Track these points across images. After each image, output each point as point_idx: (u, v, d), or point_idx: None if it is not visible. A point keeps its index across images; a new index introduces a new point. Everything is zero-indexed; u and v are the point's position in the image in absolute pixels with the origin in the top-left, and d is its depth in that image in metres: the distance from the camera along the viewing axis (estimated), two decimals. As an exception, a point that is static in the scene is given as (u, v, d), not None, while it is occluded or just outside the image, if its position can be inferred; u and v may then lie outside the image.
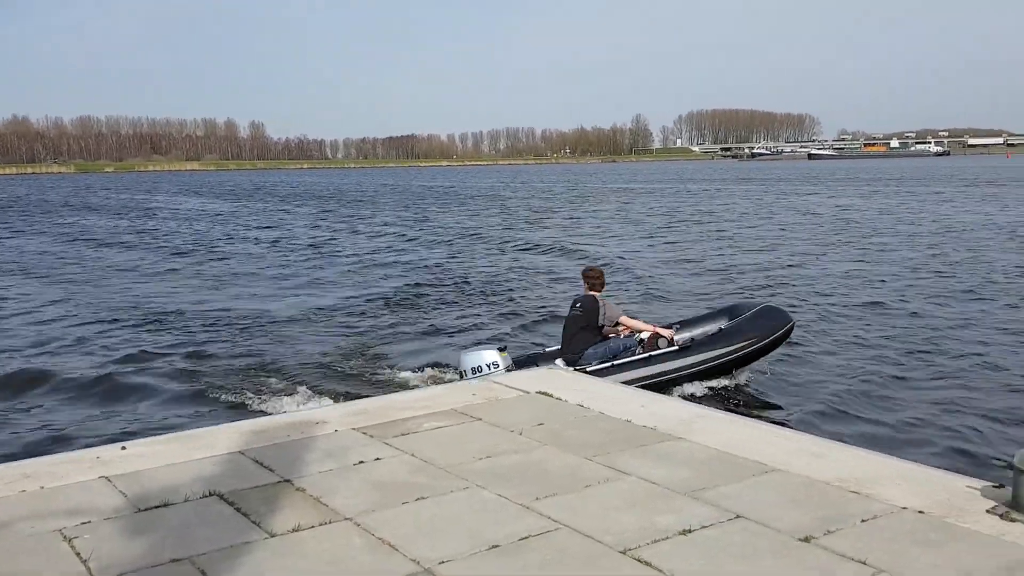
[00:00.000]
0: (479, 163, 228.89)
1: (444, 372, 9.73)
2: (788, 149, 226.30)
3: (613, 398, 6.23)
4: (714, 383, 8.96)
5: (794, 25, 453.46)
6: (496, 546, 3.74)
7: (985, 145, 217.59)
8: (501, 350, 8.83)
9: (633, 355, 8.83)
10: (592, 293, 9.04)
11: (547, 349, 9.56)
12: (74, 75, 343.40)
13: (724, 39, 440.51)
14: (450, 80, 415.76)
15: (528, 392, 6.39)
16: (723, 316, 9.80)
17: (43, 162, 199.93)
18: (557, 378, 6.87)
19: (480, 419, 5.71)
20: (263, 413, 8.01)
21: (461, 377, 8.57)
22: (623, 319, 9.12)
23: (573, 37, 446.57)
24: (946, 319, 12.80)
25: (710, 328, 9.54)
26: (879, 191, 53.23)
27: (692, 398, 8.58)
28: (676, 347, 8.88)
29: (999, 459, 6.58)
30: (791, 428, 6.62)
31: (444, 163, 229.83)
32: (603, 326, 8.94)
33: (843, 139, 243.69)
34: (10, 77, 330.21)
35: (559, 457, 4.93)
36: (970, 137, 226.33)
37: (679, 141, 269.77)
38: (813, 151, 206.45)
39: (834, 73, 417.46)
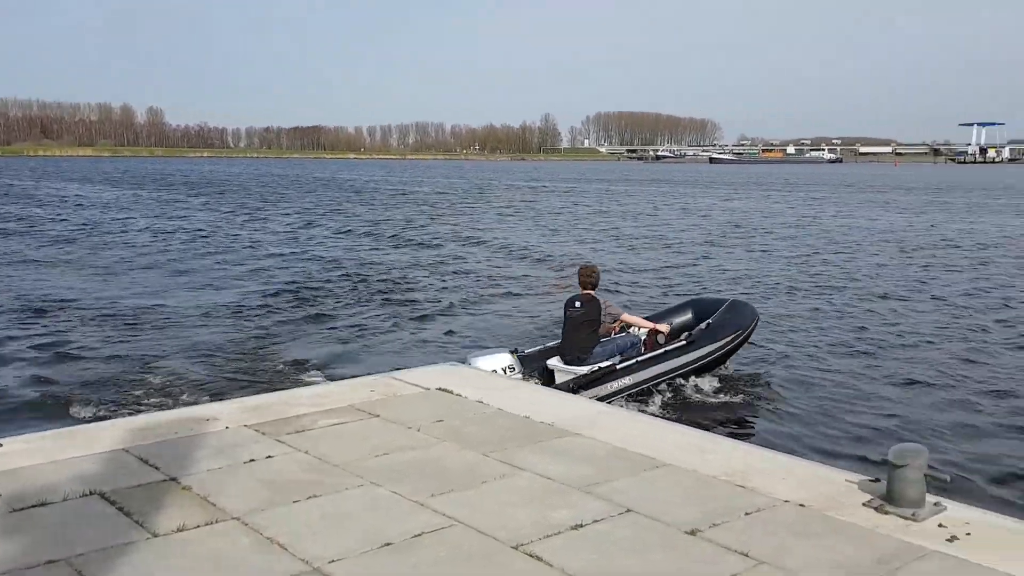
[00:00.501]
0: (387, 157, 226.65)
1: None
2: (691, 153, 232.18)
3: (513, 395, 6.26)
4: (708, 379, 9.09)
5: (697, 33, 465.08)
6: (389, 544, 3.71)
7: (875, 153, 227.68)
8: (513, 352, 8.50)
9: (640, 352, 8.81)
10: (589, 292, 8.88)
11: (527, 351, 8.98)
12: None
13: (630, 44, 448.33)
14: (358, 72, 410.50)
15: (428, 389, 6.36)
16: (688, 310, 10.02)
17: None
18: (458, 374, 6.86)
19: (378, 416, 5.66)
20: (151, 409, 7.74)
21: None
22: (625, 316, 9.10)
23: (482, 36, 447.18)
24: (830, 317, 13.34)
25: (681, 322, 9.71)
26: (771, 195, 55.10)
27: (701, 391, 8.90)
28: (684, 342, 8.96)
29: (877, 455, 6.89)
30: (684, 424, 6.77)
31: (351, 156, 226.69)
32: (603, 323, 8.88)
33: (743, 144, 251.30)
34: None
35: (457, 453, 4.93)
36: (861, 145, 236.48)
37: (587, 141, 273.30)
38: (714, 155, 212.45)
39: (735, 81, 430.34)
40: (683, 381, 8.94)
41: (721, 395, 8.90)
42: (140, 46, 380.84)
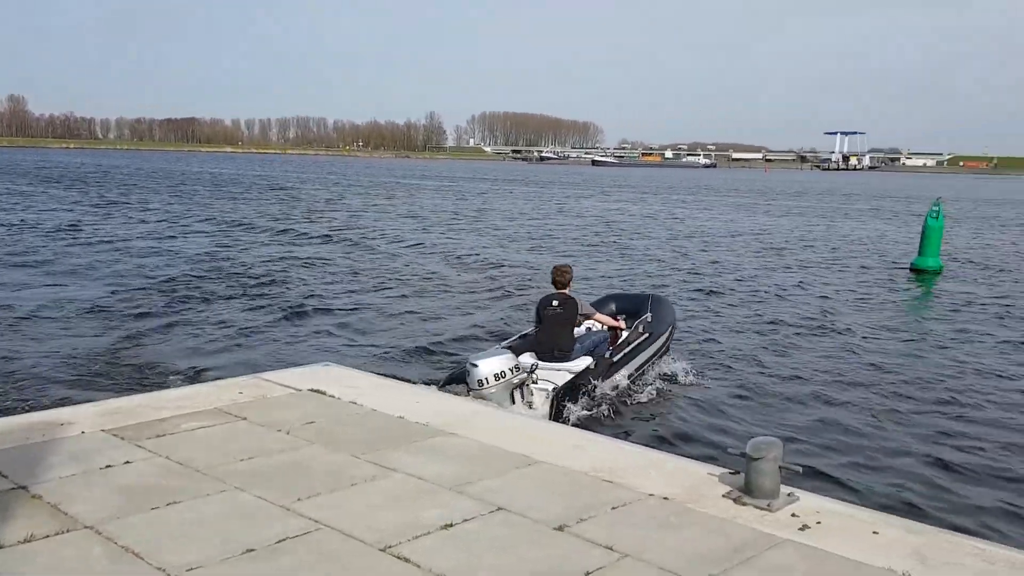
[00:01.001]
0: (266, 151, 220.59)
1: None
2: (574, 155, 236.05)
3: (387, 394, 6.20)
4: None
5: (581, 39, 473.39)
6: (251, 550, 3.61)
7: (747, 159, 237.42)
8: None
9: (607, 347, 8.96)
10: (565, 291, 8.86)
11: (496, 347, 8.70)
12: None
13: (517, 47, 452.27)
14: (236, 63, 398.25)
15: (300, 390, 6.23)
16: (612, 303, 10.39)
17: None
18: (331, 375, 6.75)
19: (245, 418, 5.50)
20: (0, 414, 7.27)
21: (477, 387, 7.42)
22: (598, 315, 9.19)
23: (365, 31, 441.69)
24: (701, 316, 13.81)
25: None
26: (646, 197, 56.65)
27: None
28: (645, 335, 9.34)
29: (737, 448, 7.16)
30: (558, 423, 6.88)
31: (228, 149, 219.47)
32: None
33: (623, 148, 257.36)
34: None
35: (326, 456, 4.84)
36: (734, 152, 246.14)
37: (472, 141, 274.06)
38: (596, 157, 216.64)
39: (617, 86, 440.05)
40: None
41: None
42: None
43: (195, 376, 8.97)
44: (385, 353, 10.71)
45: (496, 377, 7.45)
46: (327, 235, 25.34)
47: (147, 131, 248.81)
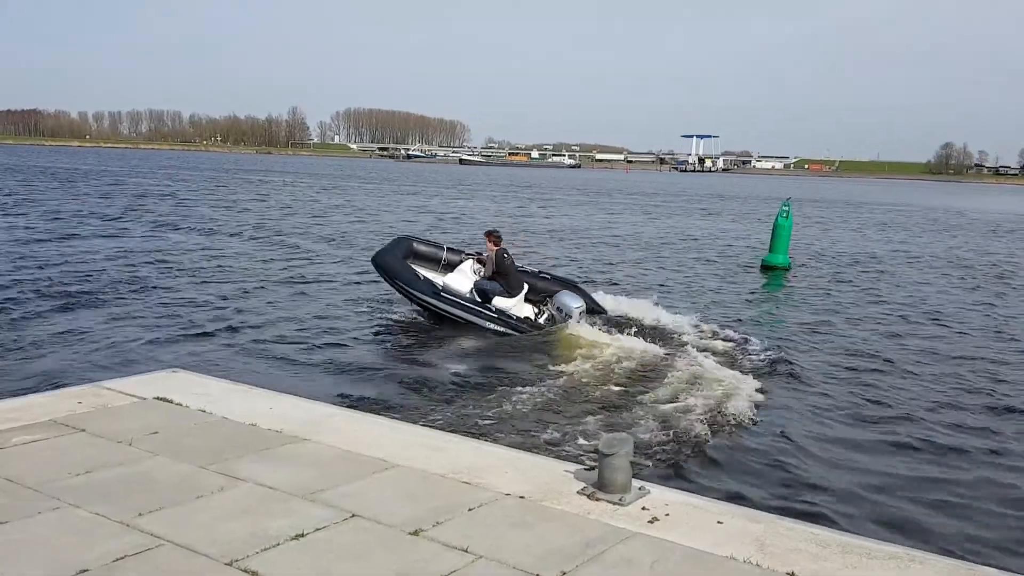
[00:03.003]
0: (117, 146, 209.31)
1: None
2: (441, 153, 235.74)
3: (239, 400, 5.99)
4: None
5: (447, 34, 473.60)
6: (85, 571, 3.40)
7: (609, 160, 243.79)
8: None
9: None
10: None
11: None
12: None
13: (379, 42, 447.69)
14: (82, 52, 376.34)
15: (144, 398, 5.93)
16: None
17: None
18: (179, 382, 6.46)
19: (83, 430, 5.19)
20: None
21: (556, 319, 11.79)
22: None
23: (221, 24, 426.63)
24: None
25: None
26: (514, 195, 57.27)
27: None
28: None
29: (592, 445, 7.32)
30: (412, 423, 6.82)
31: (75, 143, 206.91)
32: None
33: (490, 147, 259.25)
34: None
35: (171, 467, 4.63)
36: (598, 152, 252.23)
37: (336, 137, 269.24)
38: (464, 156, 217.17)
39: (482, 85, 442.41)
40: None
41: (462, 392, 9.07)
42: None
43: (27, 386, 8.35)
44: (236, 355, 10.33)
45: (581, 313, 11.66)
46: (167, 231, 24.18)
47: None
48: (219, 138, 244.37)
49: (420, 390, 9.04)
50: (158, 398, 5.91)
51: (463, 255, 13.23)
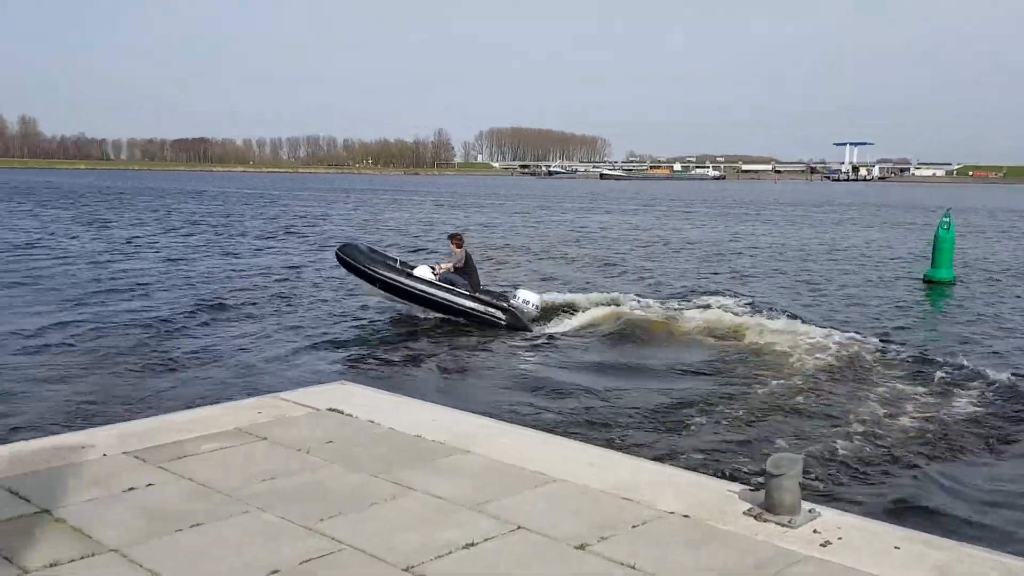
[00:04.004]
0: (277, 170, 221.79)
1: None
2: (582, 169, 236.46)
3: (405, 413, 6.22)
4: None
5: (586, 54, 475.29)
6: (276, 572, 3.63)
7: (756, 171, 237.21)
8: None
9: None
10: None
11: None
12: None
13: (522, 64, 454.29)
14: (247, 82, 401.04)
15: (318, 409, 6.26)
16: None
17: None
18: (348, 394, 6.78)
19: (265, 439, 5.53)
20: (19, 438, 7.31)
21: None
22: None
23: (374, 51, 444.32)
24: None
25: None
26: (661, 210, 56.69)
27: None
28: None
29: (756, 465, 7.15)
30: (571, 438, 6.87)
31: (240, 169, 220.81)
32: None
33: (632, 161, 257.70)
34: None
35: (346, 476, 4.87)
36: (743, 163, 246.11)
37: (480, 156, 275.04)
38: (605, 171, 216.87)
39: (623, 99, 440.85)
40: None
41: (621, 408, 9.06)
42: (10, 50, 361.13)
43: (213, 396, 9.01)
44: (398, 370, 10.75)
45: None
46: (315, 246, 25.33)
47: (159, 151, 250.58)
48: (370, 161, 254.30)
49: (564, 402, 9.12)
50: (330, 409, 6.23)
51: (413, 265, 14.31)
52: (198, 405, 8.17)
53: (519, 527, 4.16)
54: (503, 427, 6.10)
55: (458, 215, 46.33)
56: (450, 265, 13.69)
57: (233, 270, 20.34)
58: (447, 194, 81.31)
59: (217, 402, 7.41)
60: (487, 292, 13.69)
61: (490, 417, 6.80)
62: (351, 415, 6.11)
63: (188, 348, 11.87)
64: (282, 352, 11.67)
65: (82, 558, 3.71)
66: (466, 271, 13.61)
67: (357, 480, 4.78)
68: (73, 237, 29.70)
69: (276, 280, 18.59)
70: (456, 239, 13.97)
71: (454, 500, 4.51)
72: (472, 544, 3.93)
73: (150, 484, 4.64)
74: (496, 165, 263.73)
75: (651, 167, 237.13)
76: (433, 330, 13.18)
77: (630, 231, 36.13)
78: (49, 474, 4.77)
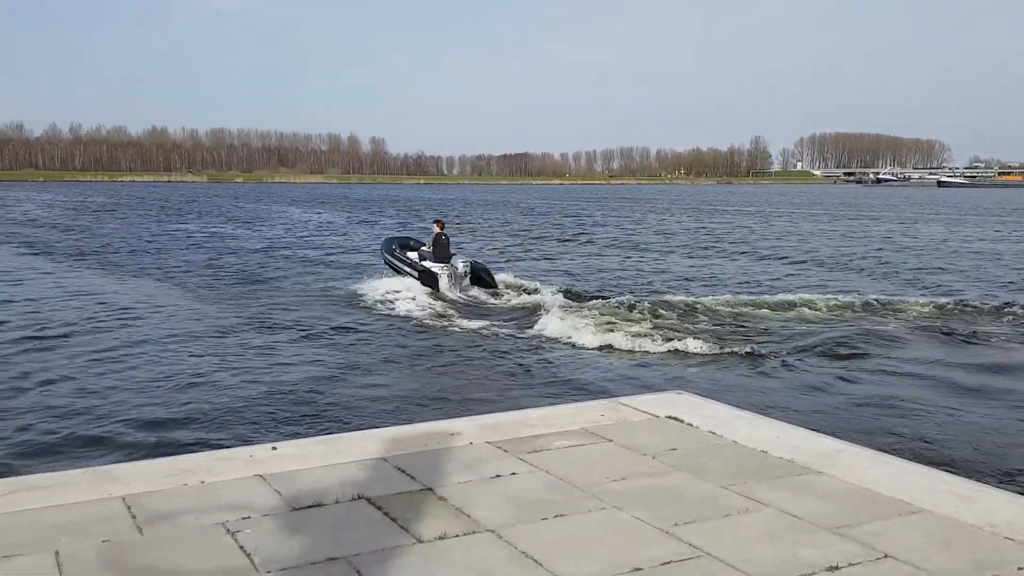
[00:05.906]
0: (591, 182, 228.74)
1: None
2: (916, 175, 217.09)
3: (746, 426, 6.15)
4: None
5: (923, 48, 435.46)
6: (638, 569, 3.77)
7: None
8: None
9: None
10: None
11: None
12: (208, 89, 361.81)
13: (850, 63, 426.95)
14: (566, 98, 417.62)
15: (657, 416, 6.38)
16: None
17: (178, 171, 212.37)
18: (685, 403, 6.83)
19: (611, 440, 5.75)
20: (394, 422, 8.27)
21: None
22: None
23: (691, 56, 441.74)
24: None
25: None
26: None
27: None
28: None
29: None
30: (932, 466, 6.37)
31: (556, 181, 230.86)
32: None
33: (975, 167, 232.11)
34: (152, 89, 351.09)
35: (694, 484, 4.92)
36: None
37: (800, 164, 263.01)
38: (943, 178, 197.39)
39: (967, 98, 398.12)
40: None
41: (981, 434, 8.27)
42: (364, 78, 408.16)
43: (551, 396, 9.58)
44: (735, 383, 10.63)
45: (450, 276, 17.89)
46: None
47: (485, 166, 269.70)
48: (682, 171, 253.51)
49: (928, 428, 8.45)
50: (670, 417, 6.32)
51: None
52: (541, 404, 8.70)
53: (886, 555, 3.94)
54: (859, 451, 5.80)
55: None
56: (429, 242, 19.01)
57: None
58: (764, 204, 78.61)
59: (559, 402, 7.83)
60: (438, 263, 18.11)
61: (842, 440, 6.50)
62: (691, 424, 6.15)
63: (528, 343, 12.66)
64: (623, 359, 12.05)
65: (464, 534, 4.11)
66: (436, 247, 18.58)
67: (707, 489, 4.81)
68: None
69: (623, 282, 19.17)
70: (439, 223, 19.02)
71: (809, 520, 4.38)
72: (836, 567, 3.80)
73: (513, 473, 5.02)
74: (817, 173, 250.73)
75: (999, 174, 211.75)
76: (777, 341, 12.87)
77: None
78: (427, 456, 5.33)
